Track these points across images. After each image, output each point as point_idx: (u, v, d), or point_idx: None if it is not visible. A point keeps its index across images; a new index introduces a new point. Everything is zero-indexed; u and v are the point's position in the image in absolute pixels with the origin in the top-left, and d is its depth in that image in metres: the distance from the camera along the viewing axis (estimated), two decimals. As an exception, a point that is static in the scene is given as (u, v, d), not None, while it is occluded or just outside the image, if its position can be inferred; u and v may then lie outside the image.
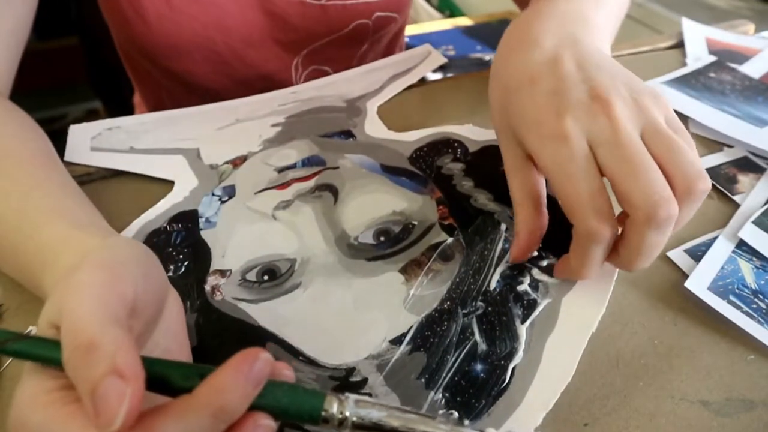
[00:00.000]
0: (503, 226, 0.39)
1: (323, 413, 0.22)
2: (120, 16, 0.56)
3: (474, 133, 0.47)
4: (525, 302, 0.34)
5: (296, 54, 0.63)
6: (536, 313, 0.33)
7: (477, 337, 0.32)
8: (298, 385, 0.23)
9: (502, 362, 0.31)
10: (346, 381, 0.31)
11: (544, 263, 0.36)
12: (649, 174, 0.29)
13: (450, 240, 0.38)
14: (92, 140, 0.49)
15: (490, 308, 0.34)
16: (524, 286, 0.35)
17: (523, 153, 0.35)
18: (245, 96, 0.61)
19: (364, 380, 0.31)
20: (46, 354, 0.23)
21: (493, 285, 0.35)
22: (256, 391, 0.22)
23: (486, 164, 0.44)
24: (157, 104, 0.70)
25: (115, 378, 0.20)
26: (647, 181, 0.29)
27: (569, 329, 0.33)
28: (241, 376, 0.21)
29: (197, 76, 0.60)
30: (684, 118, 0.51)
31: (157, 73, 0.63)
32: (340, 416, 0.22)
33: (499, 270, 0.36)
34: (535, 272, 0.36)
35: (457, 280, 0.36)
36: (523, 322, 0.33)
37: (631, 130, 0.31)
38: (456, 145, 0.46)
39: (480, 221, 0.39)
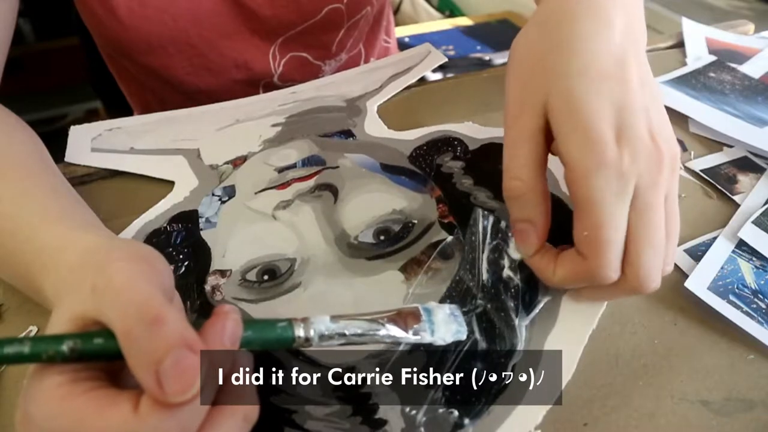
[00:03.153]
0: (482, 212, 0.37)
1: (294, 338, 0.25)
2: (93, 15, 0.55)
3: (474, 131, 0.47)
4: (512, 291, 0.34)
5: (272, 42, 0.62)
6: (536, 310, 0.33)
7: (477, 335, 0.32)
8: (266, 320, 0.26)
9: (502, 360, 0.31)
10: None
11: None
12: (659, 249, 0.30)
13: (450, 238, 0.38)
14: (93, 141, 0.49)
15: (489, 305, 0.34)
16: (506, 271, 0.35)
17: (542, 125, 0.31)
18: (227, 89, 0.61)
19: (364, 379, 0.31)
20: (42, 350, 0.23)
21: (485, 275, 0.35)
22: (235, 347, 0.24)
23: (486, 162, 0.44)
24: (144, 105, 0.70)
25: (185, 350, 0.21)
26: (657, 254, 0.30)
27: (570, 327, 0.32)
28: (219, 340, 0.23)
29: (175, 70, 0.60)
30: (684, 118, 0.51)
31: (138, 72, 0.62)
32: (306, 338, 0.26)
33: (485, 256, 0.35)
34: (511, 251, 0.35)
35: (457, 278, 0.36)
36: (517, 314, 0.33)
37: (663, 196, 0.30)
38: (456, 143, 0.46)
39: (473, 215, 0.38)
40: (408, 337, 0.27)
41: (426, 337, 0.27)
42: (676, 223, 0.31)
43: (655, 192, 0.29)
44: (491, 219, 0.36)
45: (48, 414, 0.22)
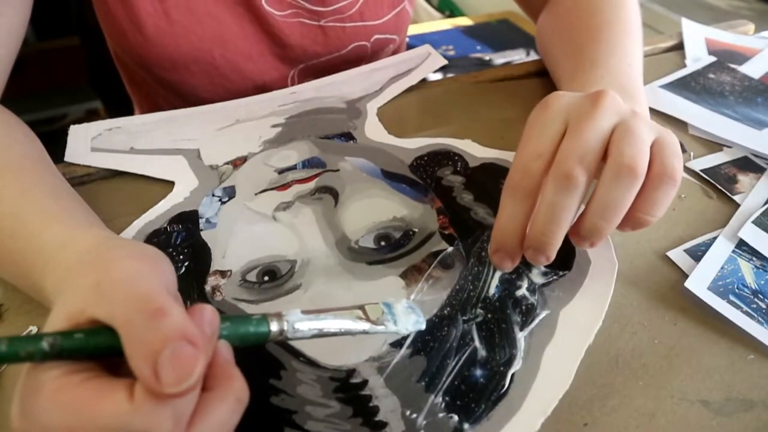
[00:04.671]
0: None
1: (270, 331, 0.26)
2: (117, 27, 0.56)
3: (474, 149, 0.47)
4: (523, 308, 0.34)
5: (293, 67, 0.63)
6: (535, 323, 0.33)
7: (477, 343, 0.32)
8: (241, 315, 0.27)
9: (502, 368, 0.31)
10: (346, 382, 0.31)
11: (541, 269, 0.36)
12: (582, 151, 0.31)
13: (450, 249, 0.38)
14: (93, 141, 0.49)
15: (489, 315, 0.34)
16: (522, 291, 0.35)
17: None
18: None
19: (365, 382, 0.31)
20: (20, 348, 0.22)
21: (492, 291, 0.35)
22: (215, 336, 0.24)
23: (485, 180, 0.44)
24: (151, 109, 0.70)
25: (184, 343, 0.22)
26: (577, 150, 0.31)
27: (567, 340, 0.33)
28: (199, 327, 0.23)
29: (194, 87, 0.60)
30: (683, 122, 0.51)
31: (153, 83, 0.63)
32: (281, 331, 0.26)
33: (497, 275, 0.36)
34: (534, 275, 0.36)
35: (457, 287, 0.36)
36: (522, 329, 0.33)
37: (594, 124, 0.32)
38: (456, 158, 0.46)
39: (480, 233, 0.39)
40: (375, 327, 0.29)
41: (390, 327, 0.29)
42: (665, 140, 0.32)
43: (582, 115, 0.32)
44: None
45: (44, 407, 0.22)
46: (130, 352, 0.22)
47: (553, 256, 0.32)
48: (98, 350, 0.23)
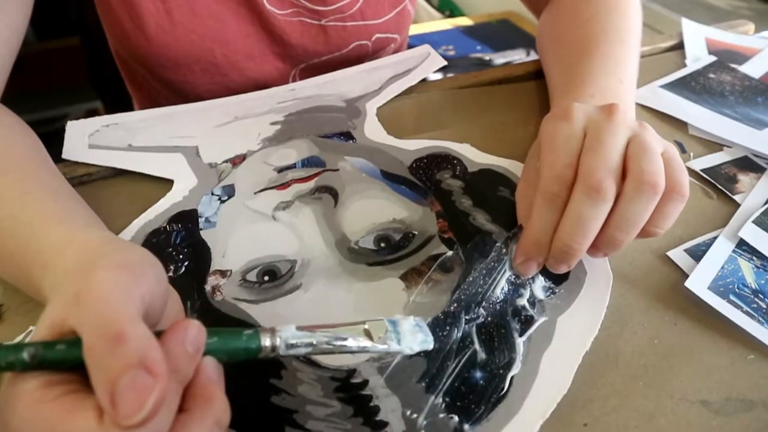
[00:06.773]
0: (510, 244, 0.38)
1: (261, 347, 0.25)
2: (119, 27, 0.56)
3: (472, 154, 0.47)
4: (522, 318, 0.34)
5: (294, 66, 0.63)
6: (533, 328, 0.34)
7: (476, 346, 0.33)
8: (232, 330, 0.26)
9: (501, 371, 0.31)
10: (347, 382, 0.31)
11: (545, 283, 0.36)
12: (605, 157, 0.33)
13: (450, 253, 0.38)
14: (90, 137, 0.48)
15: (489, 318, 0.34)
16: (523, 301, 0.35)
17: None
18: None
19: (365, 382, 0.31)
20: (11, 358, 0.22)
21: (497, 292, 0.35)
22: (198, 355, 0.24)
23: (484, 186, 0.44)
24: (151, 108, 0.70)
25: (142, 371, 0.21)
26: (599, 159, 0.32)
27: (564, 346, 0.33)
28: (181, 346, 0.23)
29: (195, 86, 0.60)
30: (683, 122, 0.51)
31: (154, 82, 0.63)
32: (274, 347, 0.26)
33: (505, 276, 0.36)
34: (536, 287, 0.36)
35: (470, 279, 0.36)
36: (521, 334, 0.33)
37: (613, 133, 0.34)
38: (455, 161, 0.46)
39: (479, 239, 0.39)
40: (375, 346, 0.27)
41: (393, 347, 0.28)
42: (670, 153, 0.34)
43: (600, 129, 0.34)
44: None
45: (20, 419, 0.22)
46: (92, 379, 0.21)
47: (573, 265, 0.34)
48: (79, 362, 0.22)
